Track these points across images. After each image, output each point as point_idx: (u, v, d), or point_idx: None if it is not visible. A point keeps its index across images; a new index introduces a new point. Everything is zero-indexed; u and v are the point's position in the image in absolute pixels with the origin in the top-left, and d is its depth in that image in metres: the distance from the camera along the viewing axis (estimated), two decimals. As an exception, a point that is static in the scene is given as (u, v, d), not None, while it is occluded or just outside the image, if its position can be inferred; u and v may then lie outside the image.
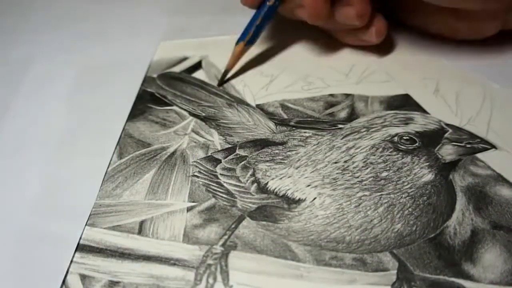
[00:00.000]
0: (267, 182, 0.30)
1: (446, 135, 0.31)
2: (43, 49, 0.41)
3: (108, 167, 0.31)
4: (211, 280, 0.25)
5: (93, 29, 0.43)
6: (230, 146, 0.32)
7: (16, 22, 0.45)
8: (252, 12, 0.37)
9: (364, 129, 0.32)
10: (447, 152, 0.30)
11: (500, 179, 0.30)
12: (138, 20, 0.44)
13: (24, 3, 0.47)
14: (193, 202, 0.29)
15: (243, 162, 0.31)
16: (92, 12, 0.46)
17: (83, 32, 0.43)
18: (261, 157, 0.31)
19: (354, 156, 0.30)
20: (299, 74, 0.38)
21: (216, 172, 0.31)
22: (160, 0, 0.46)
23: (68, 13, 0.46)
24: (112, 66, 0.39)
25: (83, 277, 0.26)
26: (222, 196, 0.29)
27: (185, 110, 0.35)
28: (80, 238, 0.27)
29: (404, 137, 0.30)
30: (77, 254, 0.27)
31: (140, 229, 0.28)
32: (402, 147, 0.30)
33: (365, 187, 0.29)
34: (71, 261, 0.26)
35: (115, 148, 0.32)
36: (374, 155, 0.30)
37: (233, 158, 0.31)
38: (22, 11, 0.46)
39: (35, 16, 0.45)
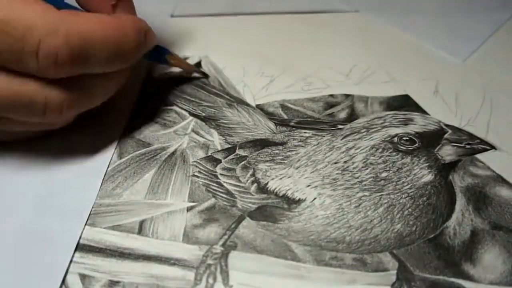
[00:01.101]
0: (267, 182, 0.30)
1: (446, 135, 0.31)
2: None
3: (108, 167, 0.31)
4: (211, 280, 0.25)
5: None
6: (230, 146, 0.32)
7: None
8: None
9: (364, 130, 0.32)
10: (446, 152, 0.30)
11: (499, 179, 0.30)
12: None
13: None
14: (193, 202, 0.29)
15: (243, 162, 0.31)
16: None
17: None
18: (261, 157, 0.31)
19: (354, 157, 0.30)
20: (299, 74, 0.38)
21: (216, 172, 0.31)
22: (161, 1, 0.46)
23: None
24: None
25: (83, 277, 0.26)
26: (222, 196, 0.29)
27: (185, 110, 0.35)
28: (80, 237, 0.27)
29: (404, 138, 0.31)
30: (76, 254, 0.27)
31: (140, 228, 0.28)
32: (402, 147, 0.30)
33: (365, 187, 0.29)
34: (71, 261, 0.26)
35: (115, 148, 0.32)
36: (374, 156, 0.30)
37: (233, 158, 0.31)
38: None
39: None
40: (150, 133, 0.33)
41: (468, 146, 0.31)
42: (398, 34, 0.42)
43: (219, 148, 0.32)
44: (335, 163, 0.30)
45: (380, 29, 0.43)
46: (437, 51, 0.40)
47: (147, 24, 0.30)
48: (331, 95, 0.36)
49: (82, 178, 0.30)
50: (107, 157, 0.32)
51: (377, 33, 0.42)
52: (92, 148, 0.32)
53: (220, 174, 0.31)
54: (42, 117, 0.28)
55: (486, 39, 0.41)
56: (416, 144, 0.30)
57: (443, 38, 0.41)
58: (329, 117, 0.34)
